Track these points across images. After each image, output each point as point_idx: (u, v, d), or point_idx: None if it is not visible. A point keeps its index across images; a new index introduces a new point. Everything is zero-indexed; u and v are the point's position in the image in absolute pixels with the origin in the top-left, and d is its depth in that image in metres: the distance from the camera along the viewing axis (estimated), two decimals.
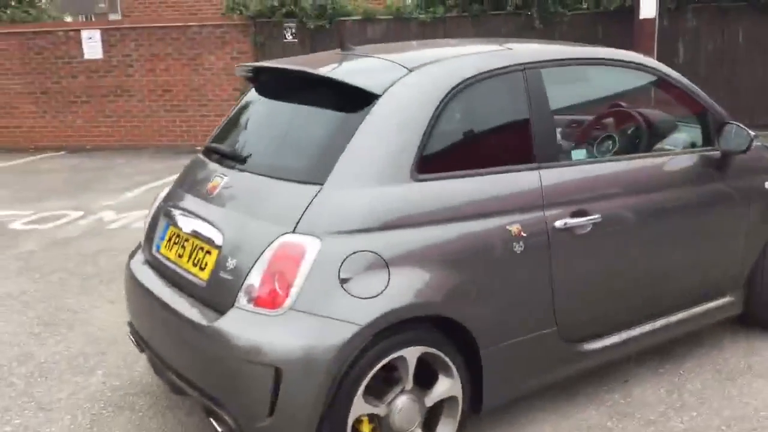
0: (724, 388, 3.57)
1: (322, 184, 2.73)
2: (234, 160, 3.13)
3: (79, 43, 11.89)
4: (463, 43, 3.51)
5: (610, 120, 3.78)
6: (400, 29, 11.28)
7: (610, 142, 3.82)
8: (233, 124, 3.44)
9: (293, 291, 2.58)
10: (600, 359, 3.41)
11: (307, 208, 2.69)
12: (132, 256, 3.49)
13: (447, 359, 2.86)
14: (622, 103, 3.92)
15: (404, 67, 2.99)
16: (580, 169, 3.27)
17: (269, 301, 2.60)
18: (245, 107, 3.45)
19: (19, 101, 12.30)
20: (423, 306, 2.74)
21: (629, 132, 3.79)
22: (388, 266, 2.68)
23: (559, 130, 3.91)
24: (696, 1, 10.85)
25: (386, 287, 2.66)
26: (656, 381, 3.66)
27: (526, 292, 3.05)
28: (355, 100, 2.88)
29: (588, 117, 4.00)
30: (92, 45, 11.83)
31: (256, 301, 2.63)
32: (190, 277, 2.94)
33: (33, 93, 12.23)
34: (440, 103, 2.91)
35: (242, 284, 2.67)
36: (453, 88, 2.96)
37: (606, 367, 3.69)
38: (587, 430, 3.26)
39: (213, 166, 3.25)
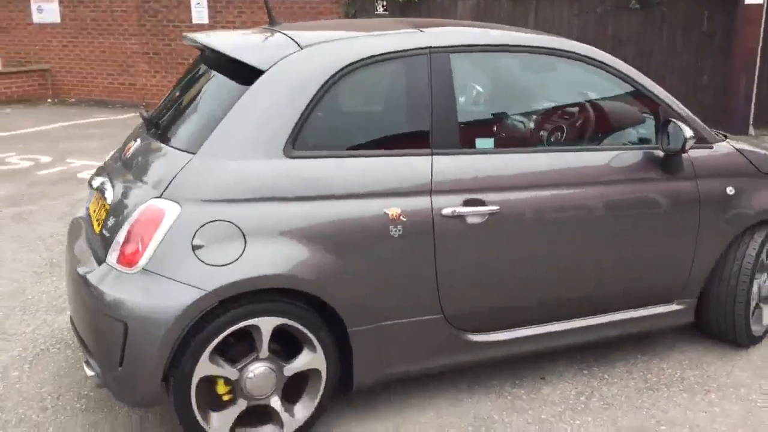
0: (641, 397, 3.41)
1: (195, 153, 2.87)
2: (149, 125, 3.33)
3: (189, 8, 12.54)
4: (382, 25, 3.49)
5: (567, 110, 3.63)
6: (490, 7, 11.08)
7: (559, 133, 3.69)
8: (171, 92, 3.62)
9: (147, 252, 2.75)
10: (500, 352, 3.36)
11: (176, 175, 2.84)
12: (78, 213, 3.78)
13: (309, 333, 2.93)
14: (590, 94, 3.75)
15: (297, 44, 3.05)
16: (482, 158, 3.20)
17: (127, 259, 2.78)
18: (184, 76, 3.63)
19: (134, 60, 13.19)
20: (277, 279, 2.83)
21: (578, 124, 3.64)
22: (245, 237, 2.79)
23: (518, 115, 3.82)
24: None
25: (239, 257, 2.77)
26: (574, 382, 3.55)
27: (405, 276, 3.05)
28: (245, 75, 2.98)
29: (549, 105, 3.86)
30: (200, 11, 12.45)
31: (118, 258, 2.81)
32: (91, 232, 3.18)
33: (147, 53, 13.07)
34: (326, 81, 2.95)
35: (113, 241, 2.86)
36: (343, 68, 2.98)
37: (531, 360, 3.63)
38: (472, 419, 3.24)
39: (138, 130, 3.46)
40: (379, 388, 3.34)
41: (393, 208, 2.98)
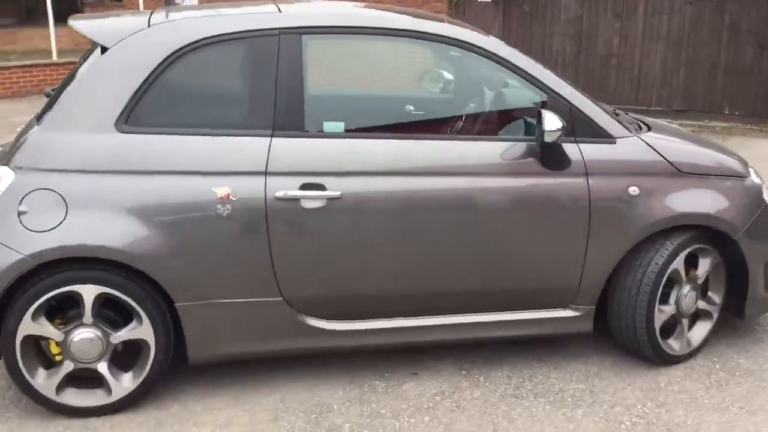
0: (498, 404, 3.20)
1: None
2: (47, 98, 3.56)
3: None
4: (249, 5, 3.47)
5: (442, 98, 3.46)
6: None
7: (461, 122, 3.52)
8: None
9: None
10: (357, 341, 3.29)
11: (20, 146, 3.05)
12: None
13: (133, 303, 3.04)
14: (472, 82, 3.53)
15: (147, 22, 3.14)
16: (327, 143, 3.13)
17: None
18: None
19: None
20: (94, 249, 2.95)
21: (472, 112, 3.45)
22: (67, 206, 2.94)
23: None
24: None
25: (58, 225, 2.93)
26: (444, 380, 3.39)
27: (236, 256, 3.07)
28: (101, 52, 3.13)
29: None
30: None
31: None
32: None
33: None
34: (165, 59, 3.03)
35: None
36: (183, 47, 3.05)
37: (414, 354, 3.53)
38: (312, 406, 3.20)
39: None
40: (252, 366, 3.39)
41: (222, 187, 3.01)
